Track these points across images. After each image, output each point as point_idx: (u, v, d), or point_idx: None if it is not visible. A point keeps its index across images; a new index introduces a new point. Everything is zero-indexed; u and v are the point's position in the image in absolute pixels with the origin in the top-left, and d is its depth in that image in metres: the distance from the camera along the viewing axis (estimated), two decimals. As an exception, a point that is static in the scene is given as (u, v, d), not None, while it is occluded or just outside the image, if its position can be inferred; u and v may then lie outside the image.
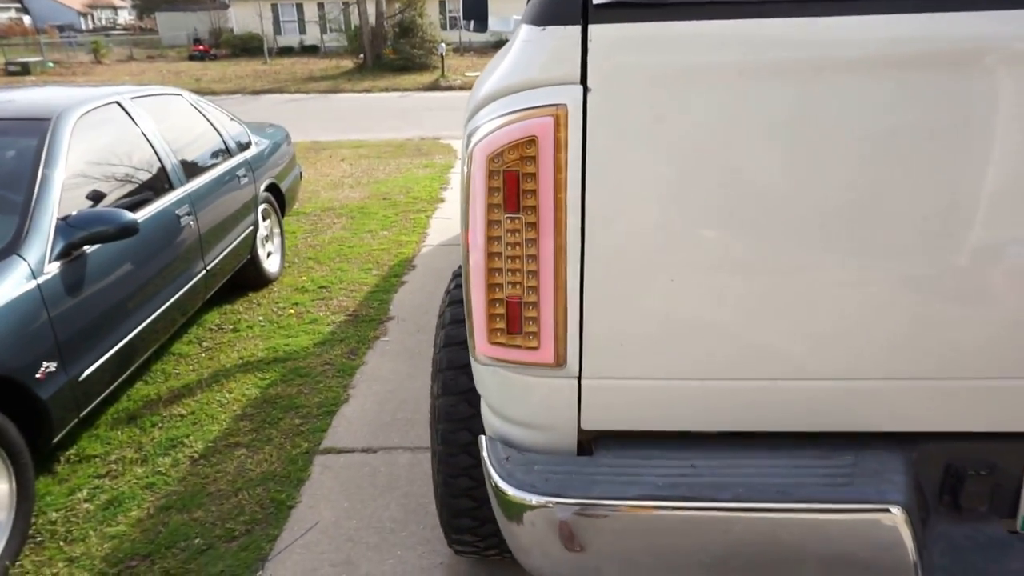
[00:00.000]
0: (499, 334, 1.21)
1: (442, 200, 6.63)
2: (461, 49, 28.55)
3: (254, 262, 4.32)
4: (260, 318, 4.04)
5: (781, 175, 1.10)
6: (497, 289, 1.17)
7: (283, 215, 4.92)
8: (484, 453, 1.29)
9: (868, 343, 1.18)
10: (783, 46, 1.05)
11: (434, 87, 18.51)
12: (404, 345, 3.66)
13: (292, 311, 4.13)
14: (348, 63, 24.47)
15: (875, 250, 1.12)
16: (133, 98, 3.42)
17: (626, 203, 1.13)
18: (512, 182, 1.12)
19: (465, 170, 1.17)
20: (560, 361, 1.21)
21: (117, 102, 3.28)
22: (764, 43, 1.05)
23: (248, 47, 31.48)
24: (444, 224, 5.82)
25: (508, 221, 1.14)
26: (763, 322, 1.18)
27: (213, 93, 17.04)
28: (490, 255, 1.17)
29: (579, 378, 1.23)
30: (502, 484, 1.21)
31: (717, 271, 1.15)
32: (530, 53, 1.13)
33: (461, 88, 18.01)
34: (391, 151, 9.34)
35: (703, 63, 1.08)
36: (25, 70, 25.12)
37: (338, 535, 2.30)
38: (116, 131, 3.20)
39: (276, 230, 4.74)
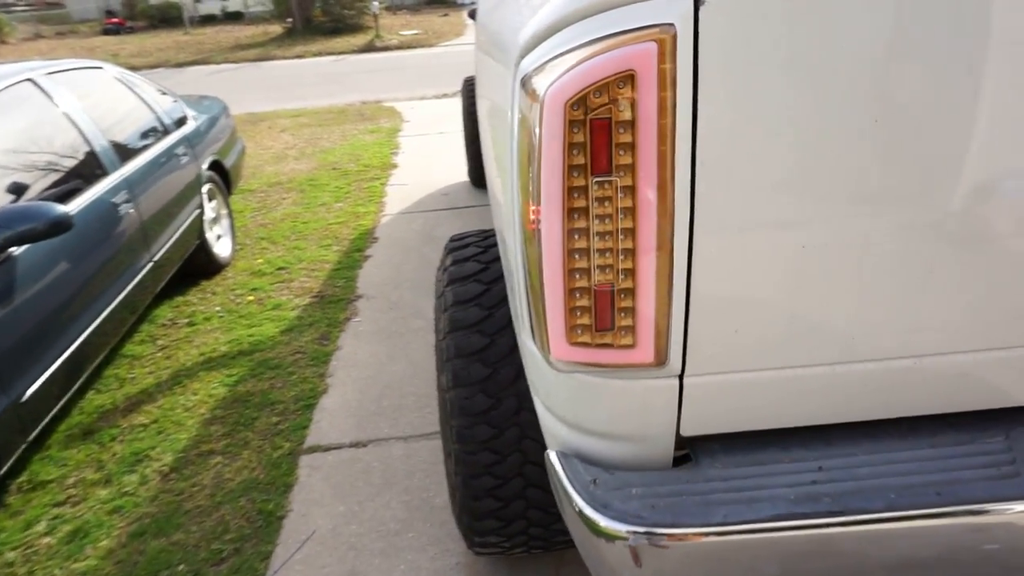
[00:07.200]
0: (583, 332, 0.95)
1: (395, 166, 6.29)
2: (393, 7, 27.50)
3: (203, 247, 3.97)
4: (217, 308, 3.73)
5: (974, 116, 0.86)
6: (580, 276, 0.92)
7: (229, 194, 4.55)
8: (560, 475, 1.04)
9: None
10: None
11: (369, 48, 17.74)
12: (378, 325, 3.41)
13: (251, 297, 3.83)
14: (276, 28, 23.37)
15: None
16: (49, 74, 3.01)
17: (751, 154, 0.88)
18: (602, 134, 0.85)
19: (520, 126, 0.90)
20: (661, 359, 0.97)
21: (30, 79, 2.87)
22: None
23: (167, 17, 29.66)
24: (401, 191, 5.50)
25: (597, 187, 0.87)
26: (918, 291, 0.96)
27: (133, 68, 15.99)
28: (571, 233, 0.90)
29: (681, 376, 1.00)
30: (595, 516, 0.97)
31: (862, 233, 0.92)
32: None
33: (398, 48, 17.32)
34: (333, 118, 8.88)
35: None
36: (-80, 56, 23.23)
37: (339, 544, 2.08)
38: (33, 113, 2.80)
39: (224, 211, 4.38)
